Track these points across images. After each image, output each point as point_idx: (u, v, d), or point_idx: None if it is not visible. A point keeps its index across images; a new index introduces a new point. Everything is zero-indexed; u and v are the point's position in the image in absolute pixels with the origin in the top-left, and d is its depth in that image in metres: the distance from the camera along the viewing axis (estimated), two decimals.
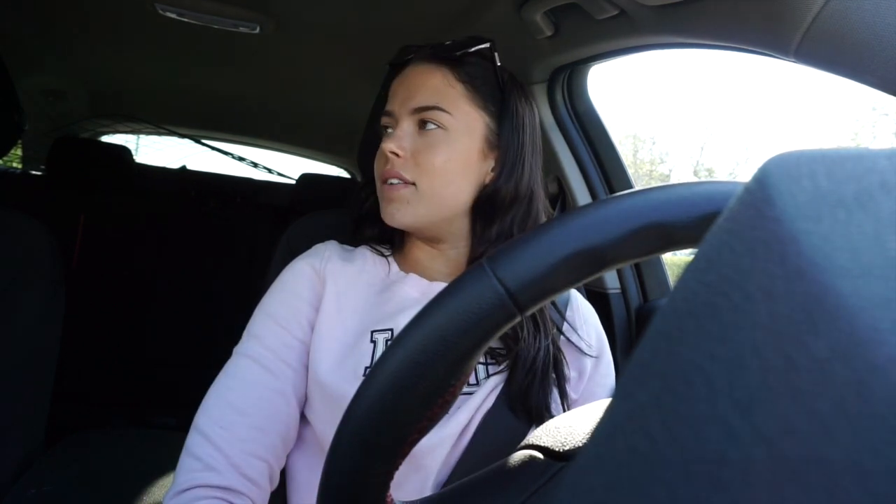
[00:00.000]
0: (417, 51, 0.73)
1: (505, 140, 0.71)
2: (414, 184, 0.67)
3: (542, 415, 0.65)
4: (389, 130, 0.71)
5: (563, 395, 0.68)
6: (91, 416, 1.72)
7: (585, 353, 0.72)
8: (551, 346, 0.68)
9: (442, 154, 0.67)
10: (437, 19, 1.16)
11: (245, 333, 0.67)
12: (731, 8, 0.66)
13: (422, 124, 0.68)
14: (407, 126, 0.69)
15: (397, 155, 0.67)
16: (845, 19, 0.52)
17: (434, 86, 0.69)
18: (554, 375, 0.68)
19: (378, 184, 0.71)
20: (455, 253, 0.73)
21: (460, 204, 0.69)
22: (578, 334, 0.73)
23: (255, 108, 2.11)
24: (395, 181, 0.67)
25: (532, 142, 0.73)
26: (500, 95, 0.71)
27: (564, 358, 0.70)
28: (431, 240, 0.73)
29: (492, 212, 0.70)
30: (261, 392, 0.62)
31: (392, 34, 1.20)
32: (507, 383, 0.66)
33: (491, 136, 0.70)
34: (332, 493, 0.31)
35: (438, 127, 0.68)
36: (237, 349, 0.66)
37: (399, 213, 0.67)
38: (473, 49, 0.71)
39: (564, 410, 0.68)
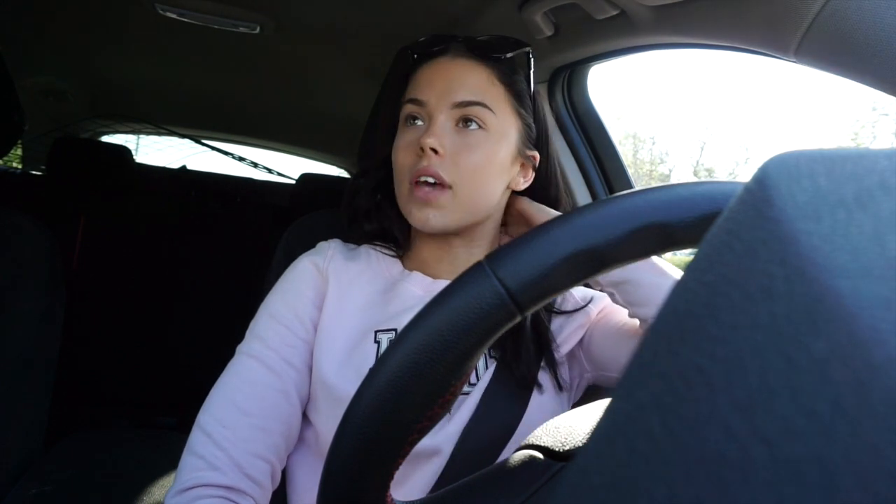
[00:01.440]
0: (449, 41, 0.69)
1: (540, 146, 0.73)
2: (451, 187, 0.64)
3: (532, 381, 0.65)
4: (419, 122, 0.67)
5: (552, 363, 0.68)
6: (91, 417, 1.72)
7: (579, 309, 0.72)
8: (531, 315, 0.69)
9: (482, 156, 0.65)
10: (438, 19, 1.16)
11: (248, 333, 0.67)
12: (731, 8, 0.66)
13: (462, 122, 0.65)
14: (445, 121, 0.65)
15: (436, 152, 0.63)
16: (845, 19, 0.52)
17: (478, 83, 0.66)
18: (546, 351, 0.69)
19: (404, 180, 0.66)
20: (465, 252, 0.72)
21: (490, 208, 0.69)
22: (560, 309, 0.73)
23: (255, 108, 2.11)
24: (430, 180, 0.64)
25: (556, 148, 0.75)
26: (530, 102, 0.71)
27: (548, 325, 0.70)
28: (448, 239, 0.71)
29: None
30: (264, 392, 0.62)
31: (392, 34, 1.20)
32: (500, 357, 0.66)
33: (522, 141, 0.70)
34: (332, 494, 0.31)
35: (480, 127, 0.65)
36: (240, 348, 0.66)
37: (434, 219, 0.64)
38: (516, 52, 0.69)
39: (557, 379, 0.68)
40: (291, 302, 0.67)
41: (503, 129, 0.67)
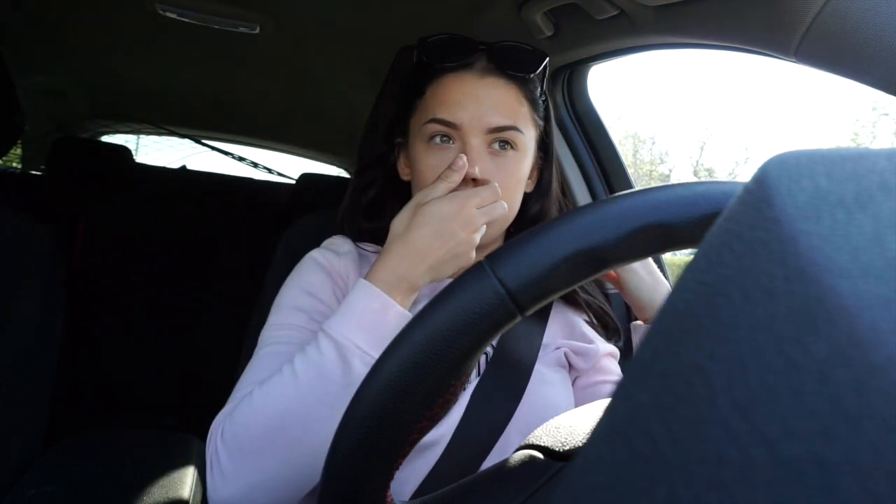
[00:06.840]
0: (470, 52, 0.66)
1: (546, 149, 0.73)
2: None
3: (529, 369, 0.67)
4: (449, 143, 0.65)
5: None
6: (91, 417, 1.71)
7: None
8: None
9: (514, 176, 0.66)
10: (437, 19, 1.16)
11: (265, 331, 0.65)
12: (731, 8, 0.66)
13: (497, 143, 0.65)
14: (479, 145, 0.64)
15: (475, 181, 0.62)
16: (845, 19, 0.52)
17: (511, 105, 0.65)
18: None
19: None
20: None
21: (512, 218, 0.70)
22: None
23: (255, 108, 2.10)
24: None
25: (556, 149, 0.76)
26: (543, 112, 0.72)
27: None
28: None
29: (530, 224, 0.73)
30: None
31: (392, 34, 1.20)
32: (494, 348, 0.67)
33: (537, 148, 0.71)
34: (332, 493, 0.31)
35: (512, 148, 0.65)
36: (262, 343, 0.63)
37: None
38: (542, 69, 0.68)
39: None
40: (311, 290, 0.67)
41: (529, 145, 0.68)
